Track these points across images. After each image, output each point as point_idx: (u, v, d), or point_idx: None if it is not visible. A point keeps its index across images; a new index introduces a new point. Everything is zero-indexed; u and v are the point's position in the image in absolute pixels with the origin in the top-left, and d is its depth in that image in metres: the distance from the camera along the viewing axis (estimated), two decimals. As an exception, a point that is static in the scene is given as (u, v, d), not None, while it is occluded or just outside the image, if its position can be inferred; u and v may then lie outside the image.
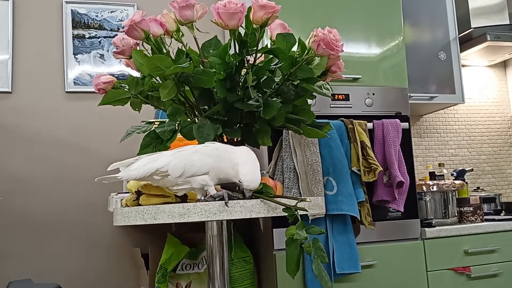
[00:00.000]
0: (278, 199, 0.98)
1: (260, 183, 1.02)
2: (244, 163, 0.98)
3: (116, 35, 1.22)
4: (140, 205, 1.08)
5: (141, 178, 1.00)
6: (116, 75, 2.12)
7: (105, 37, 2.18)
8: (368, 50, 1.97)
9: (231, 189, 1.05)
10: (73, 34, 2.14)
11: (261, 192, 1.01)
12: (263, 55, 1.19)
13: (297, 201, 0.97)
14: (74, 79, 2.11)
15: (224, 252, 1.21)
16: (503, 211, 2.45)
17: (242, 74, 1.14)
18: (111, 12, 2.21)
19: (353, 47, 1.95)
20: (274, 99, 1.14)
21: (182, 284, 1.80)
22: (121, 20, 2.21)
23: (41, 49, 2.10)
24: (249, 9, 1.09)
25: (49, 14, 2.13)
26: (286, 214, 0.97)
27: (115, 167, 1.03)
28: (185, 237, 1.87)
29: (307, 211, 0.97)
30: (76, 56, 2.13)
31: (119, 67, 2.17)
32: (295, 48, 1.14)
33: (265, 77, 1.14)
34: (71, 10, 2.15)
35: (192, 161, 0.98)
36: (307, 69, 1.11)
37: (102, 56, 2.16)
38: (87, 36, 2.16)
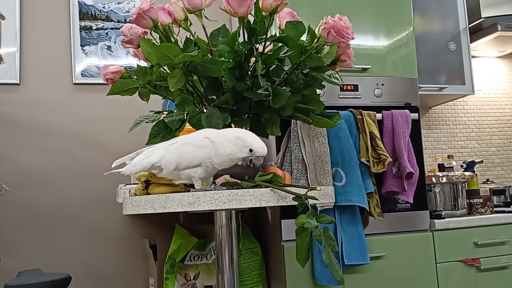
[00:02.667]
0: (288, 188, 0.97)
1: (270, 172, 1.02)
2: (245, 134, 0.98)
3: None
4: (149, 194, 1.07)
5: (141, 173, 1.01)
6: (124, 67, 2.11)
7: (112, 28, 2.17)
8: (377, 40, 1.95)
9: (240, 178, 1.05)
10: (80, 26, 2.13)
11: (271, 181, 1.00)
12: (272, 43, 1.18)
13: (307, 190, 0.97)
14: (81, 71, 2.11)
15: (233, 242, 1.21)
16: (513, 203, 2.43)
17: (251, 63, 1.13)
18: (118, 3, 2.20)
19: (362, 38, 1.93)
20: (283, 88, 1.13)
21: (191, 274, 1.81)
22: (128, 12, 2.20)
23: (49, 41, 2.10)
24: (258, -4, 1.08)
25: (56, 6, 2.13)
26: (296, 203, 0.96)
27: (119, 163, 1.04)
28: (193, 228, 1.87)
29: (317, 200, 0.97)
30: (83, 48, 2.13)
31: (127, 59, 2.16)
32: (304, 37, 1.12)
33: (274, 65, 1.13)
34: (78, 1, 2.14)
35: (184, 153, 0.97)
36: (317, 58, 1.10)
37: (109, 47, 2.16)
38: (94, 27, 2.15)
